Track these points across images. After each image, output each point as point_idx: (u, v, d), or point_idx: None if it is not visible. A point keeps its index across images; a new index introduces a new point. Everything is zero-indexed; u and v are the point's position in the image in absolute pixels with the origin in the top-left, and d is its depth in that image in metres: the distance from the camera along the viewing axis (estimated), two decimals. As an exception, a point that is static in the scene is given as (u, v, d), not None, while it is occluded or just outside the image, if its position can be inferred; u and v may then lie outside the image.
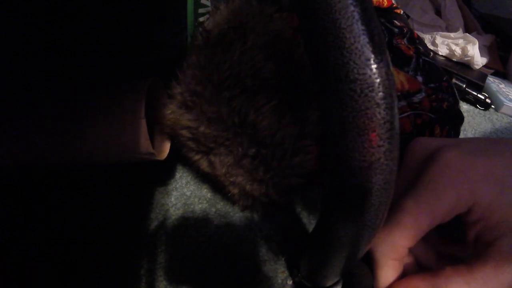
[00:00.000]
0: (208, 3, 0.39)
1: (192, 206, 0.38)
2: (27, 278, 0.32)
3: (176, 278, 0.32)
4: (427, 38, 0.61)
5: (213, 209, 0.37)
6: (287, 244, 0.35)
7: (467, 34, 0.59)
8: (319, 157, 0.31)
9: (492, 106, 0.56)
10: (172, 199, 0.38)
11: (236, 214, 0.37)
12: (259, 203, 0.33)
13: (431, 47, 0.60)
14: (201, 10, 0.39)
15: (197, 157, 0.33)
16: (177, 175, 0.40)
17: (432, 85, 0.37)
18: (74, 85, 0.37)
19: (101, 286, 0.32)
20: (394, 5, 0.46)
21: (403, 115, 0.34)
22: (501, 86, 0.59)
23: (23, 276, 0.32)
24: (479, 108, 0.56)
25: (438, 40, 0.59)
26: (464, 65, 0.59)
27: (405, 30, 0.41)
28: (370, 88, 0.13)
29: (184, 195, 0.39)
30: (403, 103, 0.35)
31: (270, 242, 0.35)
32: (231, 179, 0.32)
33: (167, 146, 0.37)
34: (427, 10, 0.68)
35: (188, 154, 0.34)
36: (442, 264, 0.19)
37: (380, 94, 0.13)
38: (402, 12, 0.47)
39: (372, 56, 0.13)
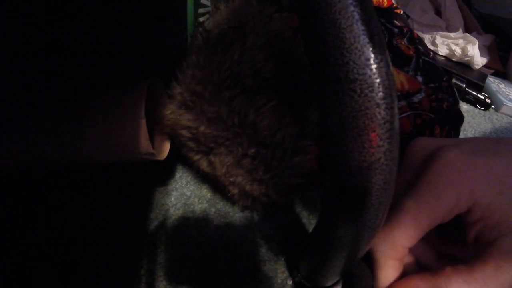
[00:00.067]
0: (208, 3, 0.40)
1: (192, 206, 0.38)
2: (27, 278, 0.32)
3: (176, 278, 0.32)
4: (427, 38, 0.61)
5: (213, 209, 0.37)
6: (287, 244, 0.35)
7: (467, 34, 0.59)
8: (319, 157, 0.31)
9: (492, 106, 0.56)
10: (172, 199, 0.38)
11: (236, 214, 0.37)
12: (259, 203, 0.33)
13: (431, 47, 0.60)
14: (201, 10, 0.39)
15: (197, 157, 0.33)
16: (177, 175, 0.40)
17: (432, 85, 0.37)
18: (74, 85, 0.37)
19: (101, 286, 0.32)
20: (394, 5, 0.46)
21: (403, 115, 0.34)
22: (501, 86, 0.59)
23: (23, 276, 0.32)
24: (479, 108, 0.56)
25: (438, 40, 0.59)
26: (464, 65, 0.59)
27: (405, 30, 0.41)
28: (370, 88, 0.13)
29: (184, 195, 0.39)
30: (403, 103, 0.35)
31: (270, 242, 0.35)
32: (231, 179, 0.32)
33: (167, 146, 0.37)
34: (427, 10, 0.68)
35: (188, 154, 0.34)
36: (441, 264, 0.19)
37: (380, 94, 0.13)
38: (402, 12, 0.47)
39: (372, 56, 0.13)
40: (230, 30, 0.31)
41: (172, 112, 0.32)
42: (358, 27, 0.12)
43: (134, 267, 0.33)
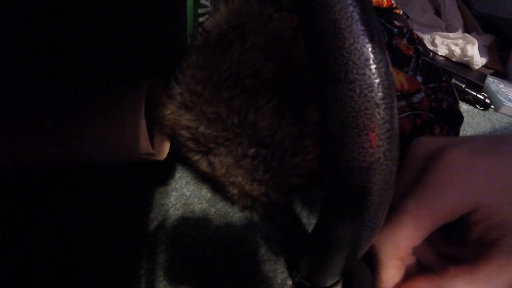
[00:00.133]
0: (208, 3, 0.40)
1: (191, 206, 0.38)
2: (27, 278, 0.32)
3: (176, 278, 0.32)
4: (426, 38, 0.61)
5: (213, 209, 0.37)
6: (287, 244, 0.35)
7: (467, 34, 0.59)
8: (319, 157, 0.31)
9: (492, 106, 0.56)
10: (172, 199, 0.38)
11: (236, 214, 0.37)
12: (259, 203, 0.33)
13: (431, 47, 0.60)
14: (201, 10, 0.39)
15: (196, 157, 0.33)
16: (177, 175, 0.40)
17: (431, 85, 0.37)
18: (74, 85, 0.37)
19: (101, 286, 0.32)
20: (394, 5, 0.46)
21: (403, 115, 0.35)
22: (500, 86, 0.59)
23: (23, 276, 0.32)
24: (479, 108, 0.56)
25: (438, 40, 0.59)
26: (464, 65, 0.59)
27: (405, 30, 0.41)
28: (370, 89, 0.13)
29: (184, 195, 0.39)
30: (402, 103, 0.35)
31: (270, 242, 0.35)
32: (231, 179, 0.32)
33: (167, 146, 0.37)
34: (427, 10, 0.68)
35: (188, 154, 0.34)
36: (442, 264, 0.19)
37: (380, 94, 0.13)
38: (401, 12, 0.47)
39: (372, 56, 0.13)
40: (230, 30, 0.31)
41: (172, 112, 0.32)
42: (358, 28, 0.12)
43: (134, 267, 0.33)
